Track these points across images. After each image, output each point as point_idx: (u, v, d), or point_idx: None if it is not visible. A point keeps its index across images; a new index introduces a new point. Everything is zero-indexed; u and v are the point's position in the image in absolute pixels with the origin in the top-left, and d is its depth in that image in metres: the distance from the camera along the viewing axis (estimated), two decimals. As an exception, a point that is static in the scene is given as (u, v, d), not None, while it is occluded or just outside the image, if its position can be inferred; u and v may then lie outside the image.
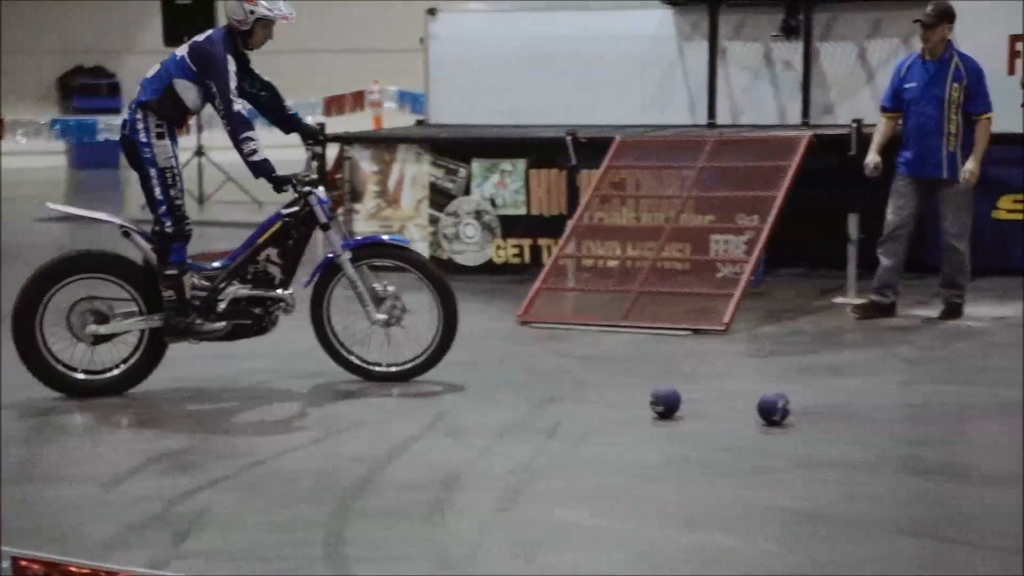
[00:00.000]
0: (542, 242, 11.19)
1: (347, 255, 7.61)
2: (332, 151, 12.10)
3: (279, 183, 7.35)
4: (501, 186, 11.40)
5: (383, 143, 11.99)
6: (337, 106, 16.40)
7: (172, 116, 7.39)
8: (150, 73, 7.44)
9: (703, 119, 11.53)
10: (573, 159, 10.65)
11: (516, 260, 11.34)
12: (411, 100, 16.71)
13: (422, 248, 11.55)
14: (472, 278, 11.13)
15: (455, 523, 5.55)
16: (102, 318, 7.47)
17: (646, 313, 9.33)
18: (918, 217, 9.41)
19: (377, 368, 7.75)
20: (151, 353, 7.56)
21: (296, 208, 7.53)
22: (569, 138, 10.63)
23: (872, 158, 9.31)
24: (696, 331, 9.03)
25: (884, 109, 9.51)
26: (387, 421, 7.09)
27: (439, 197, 11.55)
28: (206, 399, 7.59)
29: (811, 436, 6.67)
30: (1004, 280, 10.57)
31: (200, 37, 7.42)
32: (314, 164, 7.82)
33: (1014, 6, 10.71)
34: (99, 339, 7.49)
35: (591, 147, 10.68)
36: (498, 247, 11.42)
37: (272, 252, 7.55)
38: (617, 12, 11.96)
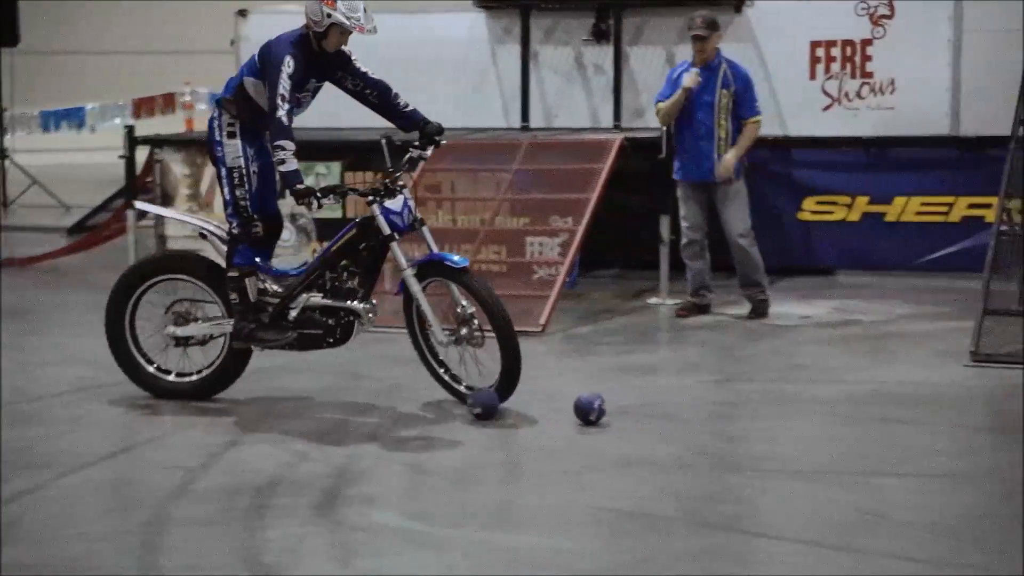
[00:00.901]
0: (359, 245, 11.12)
1: (411, 271, 7.12)
2: (142, 154, 11.89)
3: (300, 195, 6.91)
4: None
5: (195, 146, 11.79)
6: (147, 108, 16.09)
7: (245, 115, 7.11)
8: (233, 75, 7.31)
9: (517, 122, 11.62)
10: (388, 162, 10.59)
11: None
12: (223, 102, 16.46)
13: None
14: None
15: (273, 528, 5.50)
16: (183, 320, 7.32)
17: (464, 315, 9.33)
18: (710, 219, 9.63)
19: (456, 384, 7.26)
20: (233, 359, 7.31)
21: (368, 216, 7.11)
22: (384, 141, 10.54)
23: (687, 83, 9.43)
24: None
25: (662, 100, 9.66)
26: (202, 427, 6.98)
27: (253, 200, 11.38)
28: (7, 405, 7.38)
29: (628, 435, 6.78)
30: (810, 279, 10.90)
31: (275, 36, 7.14)
32: (407, 162, 7.31)
33: (816, 11, 11.03)
34: (179, 341, 7.33)
35: (406, 150, 10.64)
36: (314, 251, 11.32)
37: (349, 262, 7.15)
38: (430, 16, 11.97)
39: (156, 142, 11.85)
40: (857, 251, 11.03)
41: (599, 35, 11.43)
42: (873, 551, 5.18)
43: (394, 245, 7.08)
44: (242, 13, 12.42)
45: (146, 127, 13.30)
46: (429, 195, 10.67)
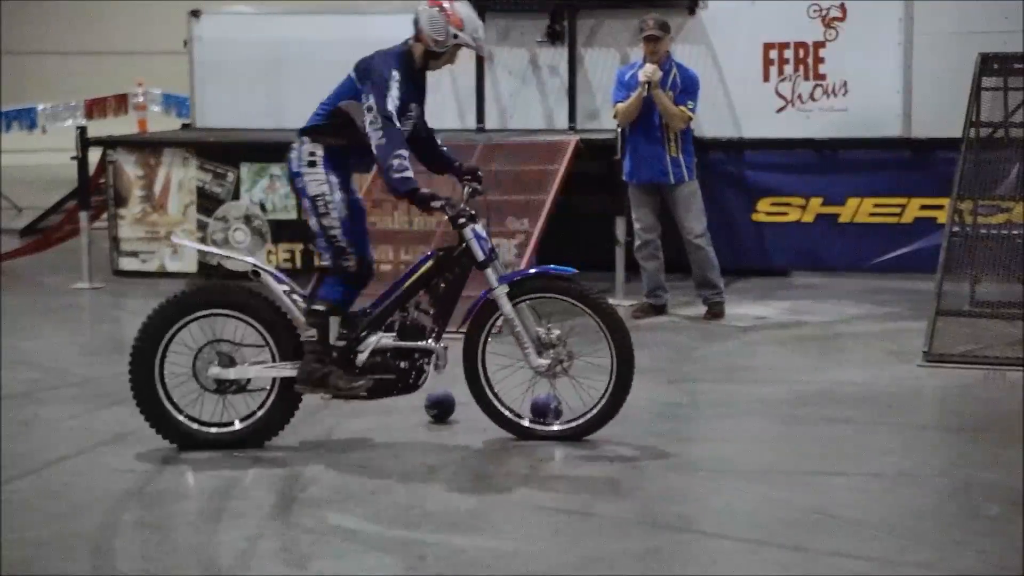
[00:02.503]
0: (313, 247, 11.11)
1: (503, 290, 6.57)
2: (95, 155, 11.82)
3: (425, 200, 6.40)
4: (271, 190, 11.29)
5: (148, 147, 11.75)
6: (99, 109, 15.98)
7: (336, 141, 6.52)
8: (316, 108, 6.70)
9: (472, 124, 11.63)
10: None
11: (288, 265, 11.25)
12: (176, 103, 16.41)
13: (190, 254, 11.39)
14: (243, 284, 10.99)
15: (226, 531, 5.48)
16: (228, 361, 6.54)
17: (419, 317, 9.32)
18: (663, 220, 9.66)
19: (539, 427, 6.73)
20: (282, 406, 6.57)
21: (453, 246, 6.61)
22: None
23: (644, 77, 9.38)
24: (468, 334, 9.06)
25: (619, 101, 9.64)
26: (154, 431, 6.94)
27: (207, 202, 11.38)
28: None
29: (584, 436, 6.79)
30: (764, 280, 10.95)
31: (371, 54, 6.63)
32: (469, 196, 6.75)
33: (768, 13, 11.09)
34: (222, 385, 6.55)
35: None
36: (269, 252, 11.31)
37: (423, 297, 6.59)
38: (385, 17, 11.94)
39: (109, 143, 11.78)
40: (811, 252, 11.10)
41: (553, 37, 11.46)
42: (822, 550, 5.22)
43: (489, 271, 6.57)
44: (195, 14, 12.39)
45: (99, 128, 13.20)
46: (385, 197, 10.65)
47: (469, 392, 6.75)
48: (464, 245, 6.57)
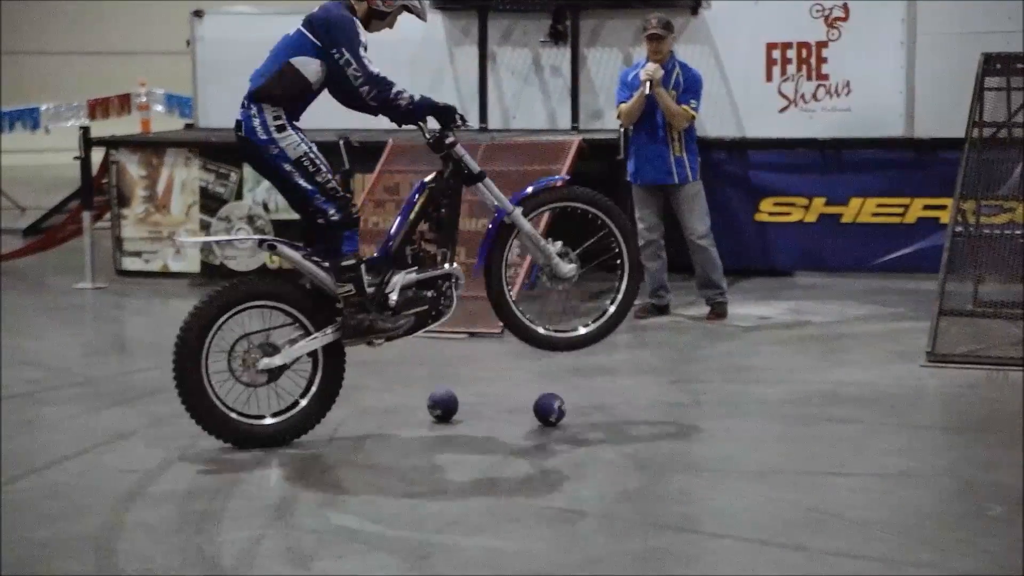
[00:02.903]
0: (316, 247, 11.12)
1: (519, 210, 6.83)
2: (98, 156, 11.83)
3: (448, 113, 6.63)
4: (274, 191, 11.25)
5: (151, 147, 11.75)
6: (102, 109, 16.00)
7: (289, 100, 6.53)
8: (259, 67, 6.66)
9: (475, 123, 11.61)
10: (346, 163, 10.57)
11: (290, 265, 11.21)
12: (179, 103, 16.42)
13: (193, 254, 11.41)
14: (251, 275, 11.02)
15: (229, 531, 5.48)
16: (272, 349, 6.51)
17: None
18: (665, 221, 9.66)
19: (568, 334, 7.05)
20: (334, 372, 6.67)
21: (440, 170, 6.76)
22: (342, 142, 10.52)
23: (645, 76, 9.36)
24: (472, 334, 9.09)
25: (623, 101, 9.64)
26: (156, 431, 6.94)
27: (210, 202, 11.38)
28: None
29: (583, 436, 6.79)
30: (767, 280, 10.95)
31: (314, 11, 6.63)
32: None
33: (771, 13, 11.09)
34: (274, 373, 6.52)
35: (364, 151, 10.63)
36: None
37: (424, 227, 6.72)
38: (388, 16, 11.95)
39: (112, 143, 11.79)
40: (814, 252, 11.09)
41: (556, 36, 11.45)
42: (825, 550, 5.21)
43: (488, 182, 6.79)
44: (198, 14, 12.38)
45: (101, 128, 13.22)
46: (388, 196, 10.66)
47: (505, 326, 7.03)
48: (451, 167, 6.73)
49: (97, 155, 11.75)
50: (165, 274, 11.42)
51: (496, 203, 6.86)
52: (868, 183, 10.92)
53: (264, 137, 6.53)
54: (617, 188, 10.03)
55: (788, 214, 11.10)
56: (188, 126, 13.15)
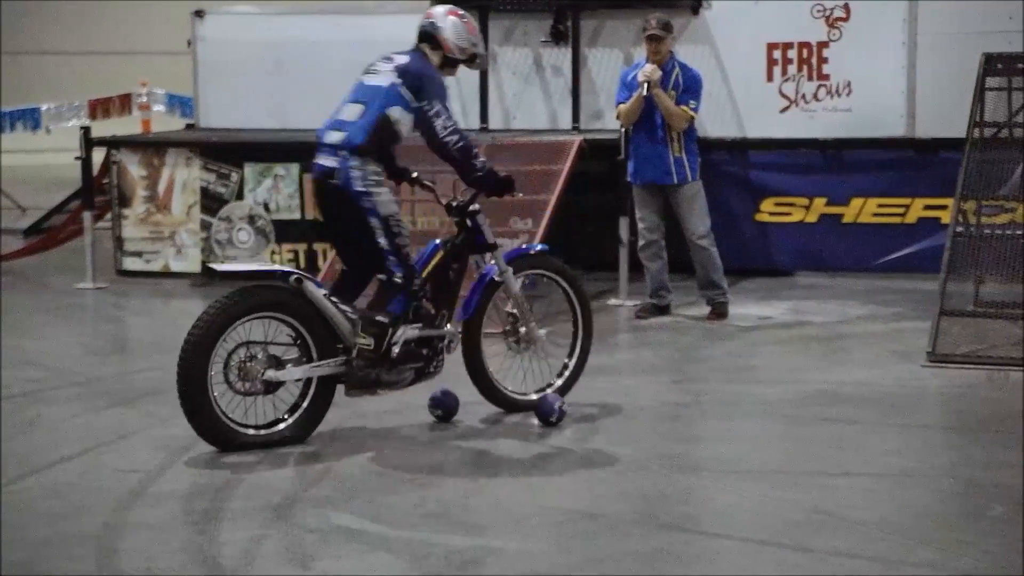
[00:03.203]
0: (317, 247, 11.14)
1: (510, 271, 7.02)
2: (99, 156, 11.83)
3: (508, 186, 6.92)
4: (275, 190, 11.30)
5: (152, 147, 11.76)
6: (103, 109, 16.02)
7: (384, 152, 6.73)
8: (345, 115, 6.71)
9: (476, 123, 11.62)
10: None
11: (291, 265, 11.25)
12: (180, 103, 16.43)
13: (194, 254, 11.41)
14: (247, 284, 11.01)
15: (229, 531, 5.48)
16: (277, 363, 6.51)
17: (422, 317, 9.35)
18: (666, 221, 9.66)
19: (521, 397, 7.17)
20: (321, 402, 6.67)
21: (455, 234, 6.99)
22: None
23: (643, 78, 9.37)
24: (471, 334, 9.07)
25: (621, 102, 9.64)
26: (156, 431, 6.95)
27: (211, 202, 11.39)
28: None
29: (585, 436, 6.80)
30: (768, 281, 10.95)
31: (402, 61, 6.77)
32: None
33: (772, 13, 11.09)
34: (270, 387, 6.54)
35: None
36: (273, 252, 11.32)
37: (428, 286, 6.84)
38: (388, 17, 11.96)
39: (113, 143, 11.80)
40: (815, 252, 11.10)
41: (557, 37, 11.46)
42: (826, 550, 5.21)
43: (498, 252, 7.00)
44: (199, 14, 12.40)
45: (102, 128, 13.22)
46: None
47: (471, 380, 7.06)
48: (464, 234, 6.95)
49: (98, 155, 11.75)
50: (166, 274, 11.42)
51: (492, 263, 7.04)
52: (869, 183, 10.92)
53: (361, 189, 6.60)
54: (617, 188, 10.04)
55: (789, 214, 11.10)
56: (189, 126, 13.16)
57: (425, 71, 6.77)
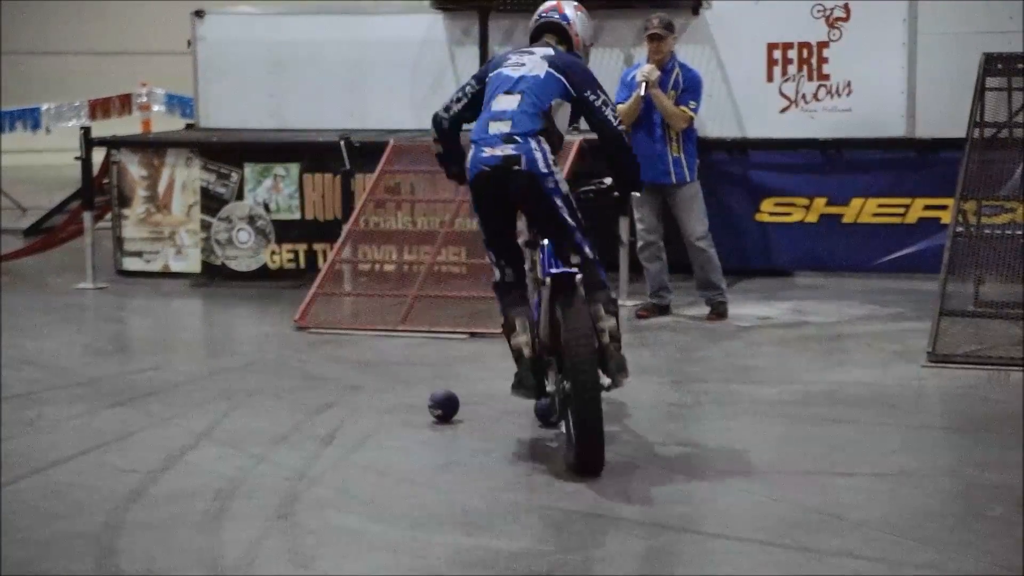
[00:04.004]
0: (317, 247, 11.13)
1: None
2: (99, 156, 11.83)
3: (636, 185, 7.02)
4: (275, 191, 11.30)
5: (152, 147, 11.76)
6: (103, 109, 16.00)
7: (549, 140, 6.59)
8: (504, 105, 6.55)
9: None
10: (347, 163, 10.61)
11: (291, 265, 11.25)
12: (180, 103, 16.43)
13: (194, 254, 11.41)
14: (247, 284, 11.05)
15: (230, 531, 5.48)
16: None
17: (424, 317, 9.38)
18: (666, 220, 9.65)
19: None
20: None
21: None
22: (343, 142, 10.59)
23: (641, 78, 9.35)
24: (473, 335, 9.09)
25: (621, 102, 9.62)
26: (158, 430, 6.95)
27: (211, 202, 11.38)
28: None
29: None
30: (768, 281, 10.95)
31: (547, 52, 6.66)
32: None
33: (772, 13, 11.09)
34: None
35: (365, 151, 10.68)
36: (273, 252, 11.32)
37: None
38: (388, 17, 11.98)
39: (113, 143, 11.79)
40: (815, 252, 11.09)
41: (557, 37, 11.42)
42: (826, 550, 5.21)
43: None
44: (199, 14, 12.39)
45: (102, 128, 13.22)
46: (388, 196, 10.67)
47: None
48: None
49: (98, 155, 11.75)
50: (166, 274, 11.42)
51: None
52: (869, 183, 10.91)
53: (546, 170, 6.49)
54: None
55: (789, 214, 11.10)
56: (189, 126, 13.15)
57: (579, 62, 6.74)
